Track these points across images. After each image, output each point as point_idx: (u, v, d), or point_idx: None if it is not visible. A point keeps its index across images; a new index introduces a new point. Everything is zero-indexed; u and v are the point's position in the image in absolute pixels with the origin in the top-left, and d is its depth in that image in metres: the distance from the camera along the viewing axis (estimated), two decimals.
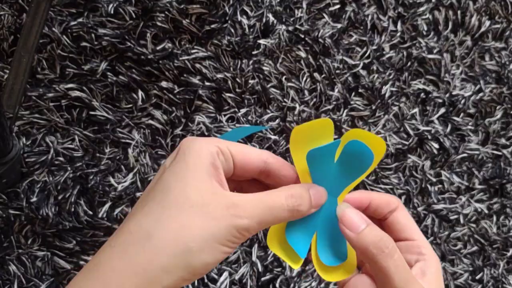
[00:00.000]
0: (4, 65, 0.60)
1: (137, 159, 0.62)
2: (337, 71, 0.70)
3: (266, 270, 0.64)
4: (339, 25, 0.71)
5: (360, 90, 0.70)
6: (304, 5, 0.70)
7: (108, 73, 0.62)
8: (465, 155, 0.74)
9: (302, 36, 0.69)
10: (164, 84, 0.63)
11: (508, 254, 0.74)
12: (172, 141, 0.63)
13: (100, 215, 0.59)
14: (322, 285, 0.66)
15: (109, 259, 0.29)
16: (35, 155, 0.59)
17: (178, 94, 0.64)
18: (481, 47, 0.78)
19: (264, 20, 0.67)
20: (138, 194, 0.60)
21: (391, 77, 0.72)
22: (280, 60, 0.68)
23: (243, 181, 0.38)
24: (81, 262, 0.58)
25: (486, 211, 0.74)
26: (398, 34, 0.74)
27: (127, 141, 0.62)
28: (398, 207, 0.39)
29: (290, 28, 0.68)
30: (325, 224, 0.38)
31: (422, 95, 0.73)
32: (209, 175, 0.31)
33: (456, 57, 0.76)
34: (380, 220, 0.40)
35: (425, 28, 0.75)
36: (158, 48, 0.63)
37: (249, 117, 0.66)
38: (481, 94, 0.76)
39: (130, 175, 0.61)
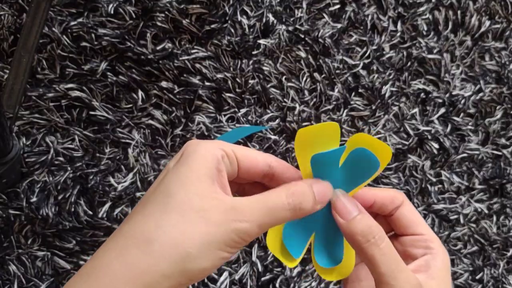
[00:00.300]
0: (4, 65, 0.60)
1: (137, 159, 0.62)
2: (337, 71, 0.70)
3: (266, 270, 0.64)
4: (339, 25, 0.71)
5: (360, 90, 0.70)
6: (304, 5, 0.70)
7: (108, 73, 0.62)
8: (465, 155, 0.74)
9: (302, 36, 0.69)
10: (164, 84, 0.63)
11: (508, 254, 0.74)
12: (172, 141, 0.63)
13: (100, 215, 0.59)
14: (322, 285, 0.66)
15: (107, 262, 0.28)
16: (35, 155, 0.59)
17: (178, 94, 0.64)
18: (481, 47, 0.78)
19: (264, 20, 0.67)
20: (138, 194, 0.60)
21: (391, 77, 0.72)
22: (280, 60, 0.68)
23: (246, 184, 0.37)
24: (81, 262, 0.58)
25: (486, 211, 0.74)
26: (398, 34, 0.74)
27: (127, 141, 0.62)
28: (403, 202, 0.39)
29: (290, 28, 0.68)
30: (323, 226, 0.38)
31: (422, 95, 0.73)
32: (212, 179, 0.31)
33: (456, 57, 0.76)
34: (386, 217, 0.39)
35: (425, 28, 0.75)
36: (158, 48, 0.63)
37: (249, 117, 0.66)
38: (481, 94, 0.76)
39: (130, 175, 0.61)
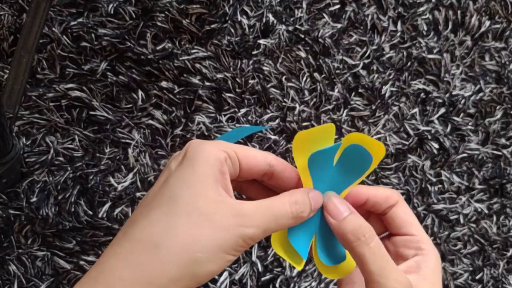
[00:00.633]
0: (4, 65, 0.60)
1: (137, 159, 0.62)
2: (337, 71, 0.70)
3: (266, 270, 0.64)
4: (339, 25, 0.71)
5: (360, 90, 0.70)
6: (304, 5, 0.70)
7: (108, 73, 0.62)
8: (465, 155, 0.74)
9: (302, 36, 0.69)
10: (164, 84, 0.63)
11: (508, 254, 0.74)
12: (172, 141, 0.63)
13: (100, 215, 0.59)
14: (322, 285, 0.66)
15: (115, 267, 0.28)
16: (35, 155, 0.59)
17: (178, 94, 0.64)
18: (481, 47, 0.78)
19: (264, 20, 0.67)
20: (138, 194, 0.60)
21: (391, 77, 0.72)
22: (280, 60, 0.68)
23: (243, 181, 0.37)
24: (81, 262, 0.58)
25: (486, 211, 0.74)
26: (398, 34, 0.74)
27: (127, 141, 0.62)
28: (398, 202, 0.39)
29: (290, 28, 0.68)
30: (323, 226, 0.39)
31: (422, 95, 0.73)
32: (216, 182, 0.31)
33: (456, 57, 0.76)
34: (381, 215, 0.40)
35: (425, 28, 0.75)
36: (158, 48, 0.63)
37: (249, 117, 0.66)
38: (481, 94, 0.76)
39: (130, 175, 0.61)
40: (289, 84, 0.68)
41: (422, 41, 0.74)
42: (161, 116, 0.63)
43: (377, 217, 0.40)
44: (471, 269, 0.72)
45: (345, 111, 0.69)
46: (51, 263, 0.58)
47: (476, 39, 0.78)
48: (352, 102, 0.69)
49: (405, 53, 0.73)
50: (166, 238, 0.29)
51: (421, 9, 0.75)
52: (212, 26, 0.65)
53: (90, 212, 0.59)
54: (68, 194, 0.58)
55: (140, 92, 0.63)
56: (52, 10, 0.61)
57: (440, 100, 0.74)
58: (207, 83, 0.64)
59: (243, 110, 0.65)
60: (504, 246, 0.74)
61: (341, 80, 0.70)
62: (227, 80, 0.65)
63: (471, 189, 0.74)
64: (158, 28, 0.63)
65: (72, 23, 0.61)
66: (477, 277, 0.72)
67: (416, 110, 0.73)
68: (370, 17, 0.73)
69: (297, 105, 0.67)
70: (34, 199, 0.57)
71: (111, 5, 0.62)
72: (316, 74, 0.69)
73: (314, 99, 0.68)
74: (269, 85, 0.67)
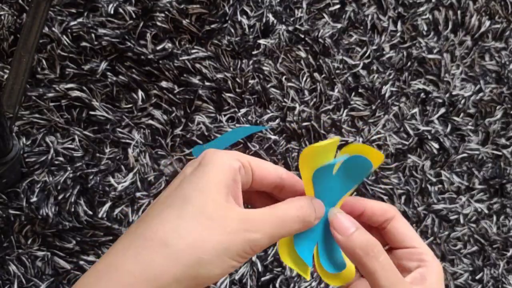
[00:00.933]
0: (4, 65, 0.60)
1: (137, 159, 0.62)
2: (337, 71, 0.70)
3: (266, 270, 0.64)
4: (339, 25, 0.71)
5: (360, 90, 0.70)
6: (304, 5, 0.70)
7: (108, 73, 0.62)
8: (465, 155, 0.74)
9: (302, 36, 0.69)
10: (164, 84, 0.63)
11: (508, 254, 0.74)
12: (172, 141, 0.63)
13: (100, 215, 0.59)
14: (322, 285, 0.66)
15: (123, 261, 0.29)
16: (35, 155, 0.59)
17: (178, 94, 0.64)
18: (481, 47, 0.78)
19: (264, 20, 0.67)
20: (138, 194, 0.60)
21: (391, 77, 0.72)
22: (280, 60, 0.68)
23: (254, 193, 0.38)
24: (81, 262, 0.58)
25: (486, 211, 0.74)
26: (398, 34, 0.74)
27: (127, 141, 0.62)
28: (395, 216, 0.40)
29: (290, 28, 0.68)
30: (325, 234, 0.40)
31: (422, 95, 0.73)
32: (228, 189, 0.32)
33: (456, 57, 0.76)
34: (378, 229, 0.41)
35: (425, 28, 0.75)
36: (158, 48, 0.63)
37: (249, 117, 0.66)
38: (481, 94, 0.76)
39: (130, 175, 0.61)
40: (289, 84, 0.68)
41: (422, 41, 0.74)
42: (161, 116, 0.63)
43: (376, 231, 0.41)
44: (471, 269, 0.72)
45: (345, 111, 0.69)
46: (51, 263, 0.58)
47: (476, 39, 0.78)
48: (352, 102, 0.69)
49: (405, 53, 0.73)
50: (175, 238, 0.29)
51: (421, 9, 0.75)
52: (212, 26, 0.65)
53: (90, 212, 0.59)
54: (68, 194, 0.58)
55: (140, 92, 0.63)
56: (52, 10, 0.61)
57: (440, 100, 0.74)
58: (207, 83, 0.64)
59: (243, 110, 0.65)
60: (504, 246, 0.74)
61: (341, 80, 0.70)
62: (227, 80, 0.65)
63: (471, 189, 0.74)
64: (158, 28, 0.63)
65: (72, 23, 0.61)
66: (477, 277, 0.72)
67: (416, 110, 0.73)
68: (370, 17, 0.73)
69: (297, 105, 0.67)
70: (34, 199, 0.57)
71: (111, 5, 0.62)
72: (316, 74, 0.69)
73: (314, 99, 0.68)
74: (269, 85, 0.67)
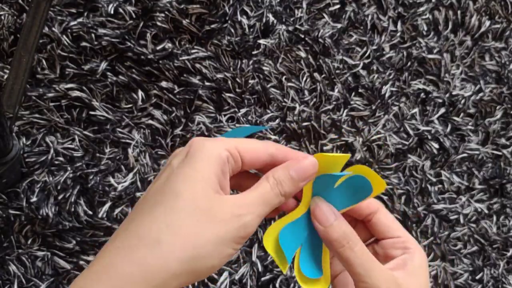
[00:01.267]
0: (4, 65, 0.60)
1: (137, 159, 0.62)
2: (337, 71, 0.70)
3: (266, 270, 0.64)
4: (339, 25, 0.71)
5: (360, 90, 0.70)
6: (304, 5, 0.70)
7: (108, 73, 0.62)
8: (465, 155, 0.74)
9: (302, 36, 0.69)
10: (164, 84, 0.63)
11: (508, 254, 0.74)
12: (172, 141, 0.63)
13: (100, 215, 0.59)
14: None
15: (116, 262, 0.29)
16: (35, 155, 0.59)
17: (178, 94, 0.64)
18: (481, 47, 0.78)
19: (264, 20, 0.67)
20: (138, 194, 0.60)
21: (391, 77, 0.72)
22: (280, 60, 0.68)
23: (243, 178, 0.38)
24: (81, 262, 0.58)
25: (486, 211, 0.74)
26: (398, 34, 0.74)
27: (127, 141, 0.62)
28: (379, 209, 0.42)
29: (290, 28, 0.68)
30: (310, 238, 0.42)
31: (422, 95, 0.73)
32: (217, 180, 0.32)
33: (456, 57, 0.76)
34: (364, 222, 0.43)
35: (425, 28, 0.75)
36: (158, 48, 0.63)
37: (249, 117, 0.66)
38: (481, 94, 0.76)
39: (130, 175, 0.61)
40: (289, 84, 0.68)
41: (422, 41, 0.74)
42: (161, 116, 0.63)
43: (362, 224, 0.43)
44: (471, 269, 0.72)
45: (345, 111, 0.69)
46: (51, 263, 0.58)
47: (476, 39, 0.78)
48: (352, 102, 0.69)
49: (405, 53, 0.73)
50: (168, 234, 0.29)
51: (421, 9, 0.75)
52: (212, 26, 0.65)
53: (90, 212, 0.59)
54: (68, 194, 0.58)
55: (140, 92, 0.63)
56: (52, 10, 0.61)
57: (440, 100, 0.74)
58: (207, 83, 0.64)
59: (243, 110, 0.65)
60: (504, 246, 0.74)
61: (341, 80, 0.70)
62: (227, 80, 0.65)
63: (471, 189, 0.74)
64: (158, 28, 0.63)
65: (72, 23, 0.61)
66: (477, 277, 0.72)
67: (416, 110, 0.73)
68: (370, 17, 0.73)
69: (297, 105, 0.67)
70: (34, 199, 0.57)
71: (111, 5, 0.62)
72: (316, 74, 0.69)
73: (314, 99, 0.68)
74: (269, 85, 0.67)
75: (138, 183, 0.61)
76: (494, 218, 0.75)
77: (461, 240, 0.73)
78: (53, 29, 0.60)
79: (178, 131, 0.63)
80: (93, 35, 0.61)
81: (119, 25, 0.62)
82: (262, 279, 0.63)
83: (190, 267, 0.29)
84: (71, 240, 0.58)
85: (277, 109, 0.67)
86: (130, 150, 0.61)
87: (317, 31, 0.69)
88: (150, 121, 0.63)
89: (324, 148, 0.68)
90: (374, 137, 0.70)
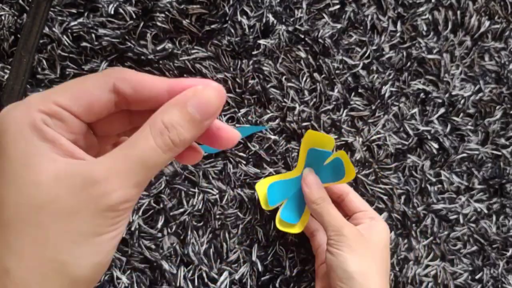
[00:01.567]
0: (5, 65, 0.60)
1: None
2: (337, 71, 0.70)
3: (266, 270, 0.64)
4: (339, 25, 0.71)
5: (360, 90, 0.71)
6: (304, 5, 0.70)
7: None
8: (464, 155, 0.74)
9: (302, 36, 0.69)
10: None
11: (508, 254, 0.74)
12: None
13: None
14: None
15: None
16: None
17: None
18: (480, 47, 0.78)
19: (264, 20, 0.67)
20: None
21: (390, 77, 0.72)
22: (280, 60, 0.68)
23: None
24: None
25: (486, 211, 0.74)
26: (398, 34, 0.74)
27: None
28: (349, 192, 0.58)
29: (290, 28, 0.68)
30: (296, 196, 0.57)
31: (422, 95, 0.74)
32: (46, 155, 0.23)
33: (456, 57, 0.76)
34: (338, 202, 0.58)
35: (425, 28, 0.75)
36: (158, 48, 0.63)
37: (249, 117, 0.66)
38: (480, 94, 0.77)
39: None
40: (289, 84, 0.68)
41: (421, 41, 0.75)
42: None
43: (337, 205, 0.57)
44: (470, 269, 0.72)
45: (345, 111, 0.69)
46: None
47: (476, 39, 0.78)
48: (352, 102, 0.70)
49: (404, 53, 0.73)
50: (13, 259, 0.22)
51: (421, 9, 0.75)
52: (212, 26, 0.65)
53: None
54: None
55: None
56: (52, 10, 0.61)
57: (440, 100, 0.74)
58: None
59: (243, 110, 0.65)
60: (503, 246, 0.75)
61: (341, 80, 0.70)
62: (227, 80, 0.65)
63: (470, 189, 0.74)
64: (158, 28, 0.64)
65: (73, 23, 0.61)
66: (476, 277, 0.72)
67: (415, 110, 0.73)
68: (370, 17, 0.73)
69: (297, 105, 0.67)
70: None
71: (111, 6, 0.62)
72: (316, 74, 0.69)
73: (314, 99, 0.68)
74: (269, 85, 0.67)
75: None
76: (494, 218, 0.75)
77: (461, 240, 0.73)
78: (54, 29, 0.60)
79: None
80: (93, 35, 0.61)
81: (119, 25, 0.62)
82: (262, 279, 0.63)
83: (59, 280, 0.22)
84: None
85: (277, 109, 0.67)
86: None
87: (317, 31, 0.69)
88: None
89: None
90: (374, 137, 0.70)
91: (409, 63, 0.73)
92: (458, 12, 0.77)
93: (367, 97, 0.71)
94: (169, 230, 0.62)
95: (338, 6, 0.71)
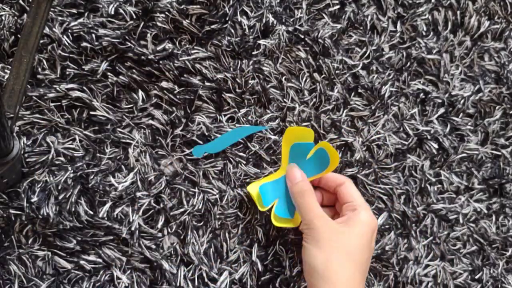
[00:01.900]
0: (5, 65, 0.60)
1: (138, 159, 0.62)
2: (337, 71, 0.70)
3: (266, 270, 0.64)
4: (338, 26, 0.71)
5: (359, 90, 0.71)
6: (304, 6, 0.70)
7: (109, 73, 0.62)
8: (464, 155, 0.74)
9: (302, 37, 0.69)
10: (164, 84, 0.63)
11: (507, 253, 0.74)
12: (172, 141, 0.63)
13: (100, 215, 0.59)
14: None
15: None
16: (36, 155, 0.59)
17: (178, 94, 0.64)
18: (480, 47, 0.78)
19: (264, 20, 0.67)
20: (138, 194, 0.61)
21: (390, 77, 0.72)
22: (280, 61, 0.68)
23: None
24: (82, 262, 0.58)
25: (486, 211, 0.74)
26: (398, 34, 0.74)
27: (128, 141, 0.62)
28: (345, 182, 0.59)
29: (290, 29, 0.68)
30: (287, 194, 0.60)
31: (422, 95, 0.74)
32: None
33: (456, 57, 0.76)
34: (332, 192, 0.60)
35: (425, 29, 0.76)
36: (158, 48, 0.63)
37: (249, 117, 0.66)
38: (480, 94, 0.77)
39: (131, 175, 0.61)
40: (289, 84, 0.68)
41: (421, 42, 0.75)
42: (161, 116, 0.63)
43: (333, 194, 0.61)
44: (470, 268, 0.72)
45: (345, 111, 0.69)
46: (52, 263, 0.58)
47: (476, 40, 0.78)
48: (351, 102, 0.70)
49: (404, 53, 0.74)
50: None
51: (421, 9, 0.75)
52: (212, 26, 0.65)
53: (91, 212, 0.59)
54: (68, 194, 0.59)
55: (140, 92, 0.63)
56: (52, 10, 0.61)
57: (440, 100, 0.74)
58: (207, 83, 0.64)
59: (243, 110, 0.65)
60: (503, 245, 0.75)
61: (341, 80, 0.70)
62: (227, 80, 0.65)
63: (470, 189, 0.74)
64: (158, 29, 0.64)
65: (73, 23, 0.61)
66: (476, 277, 0.72)
67: (415, 110, 0.73)
68: (369, 17, 0.73)
69: (297, 105, 0.67)
70: (35, 199, 0.58)
71: (111, 6, 0.62)
72: (316, 74, 0.69)
73: (314, 99, 0.68)
74: (269, 85, 0.67)
75: (139, 183, 0.61)
76: (494, 218, 0.75)
77: (461, 240, 0.73)
78: (54, 29, 0.60)
79: (178, 131, 0.63)
80: (93, 35, 0.61)
81: (119, 26, 0.63)
82: (262, 279, 0.63)
83: None
84: (72, 239, 0.58)
85: (277, 109, 0.67)
86: (130, 150, 0.62)
87: (316, 32, 0.69)
88: (151, 121, 0.63)
89: None
90: (374, 137, 0.70)
91: (408, 63, 0.74)
92: (458, 12, 0.77)
93: (367, 97, 0.71)
94: (169, 230, 0.62)
95: (338, 6, 0.71)
